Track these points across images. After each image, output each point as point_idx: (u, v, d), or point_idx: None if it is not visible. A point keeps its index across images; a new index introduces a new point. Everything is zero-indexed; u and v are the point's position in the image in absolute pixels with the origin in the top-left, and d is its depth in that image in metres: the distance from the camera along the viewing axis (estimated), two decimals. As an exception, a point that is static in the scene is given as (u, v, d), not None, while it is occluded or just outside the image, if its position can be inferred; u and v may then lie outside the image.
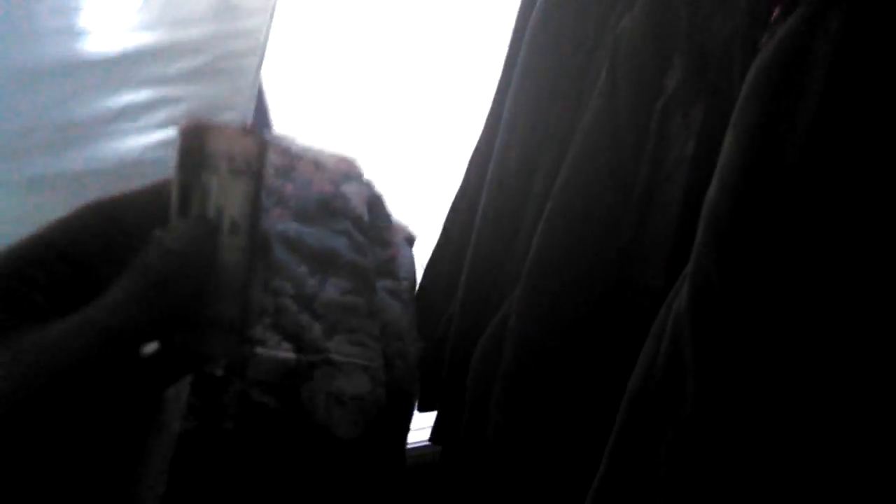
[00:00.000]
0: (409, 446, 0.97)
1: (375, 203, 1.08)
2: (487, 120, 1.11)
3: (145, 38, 0.92)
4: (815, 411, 0.36)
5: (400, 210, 1.17)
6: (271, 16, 1.06)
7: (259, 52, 0.96)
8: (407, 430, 0.90)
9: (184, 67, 0.84)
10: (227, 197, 0.35)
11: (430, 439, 1.07)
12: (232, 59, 0.89)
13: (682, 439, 0.37)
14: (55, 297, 0.31)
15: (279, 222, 0.93)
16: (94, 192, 0.34)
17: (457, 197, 1.15)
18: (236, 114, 0.87)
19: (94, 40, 0.88)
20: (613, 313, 0.64)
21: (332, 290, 0.88)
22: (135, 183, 0.35)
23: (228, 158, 0.35)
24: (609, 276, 0.65)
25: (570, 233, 0.65)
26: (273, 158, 1.07)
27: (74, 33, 0.89)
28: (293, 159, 1.06)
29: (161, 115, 0.81)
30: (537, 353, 0.63)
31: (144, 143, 0.79)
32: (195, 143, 0.34)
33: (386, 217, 1.08)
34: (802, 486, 0.36)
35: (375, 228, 1.03)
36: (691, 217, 0.62)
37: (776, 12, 0.50)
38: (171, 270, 0.32)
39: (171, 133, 0.86)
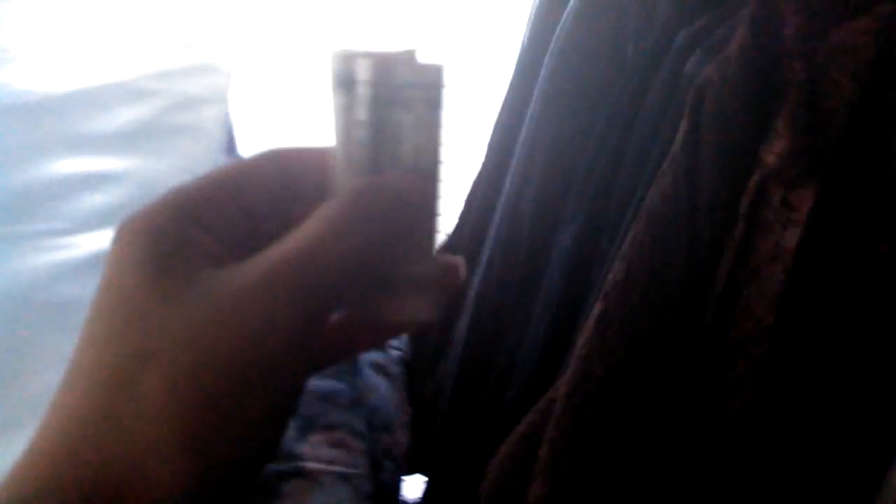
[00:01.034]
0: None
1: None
2: (492, 140, 0.96)
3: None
4: None
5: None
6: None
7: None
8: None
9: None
10: (424, 134, 0.31)
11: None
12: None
13: None
14: (227, 240, 0.28)
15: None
16: None
17: (453, 233, 0.99)
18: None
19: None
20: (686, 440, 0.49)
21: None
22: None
23: (422, 89, 0.31)
24: (681, 400, 0.50)
25: (630, 338, 0.50)
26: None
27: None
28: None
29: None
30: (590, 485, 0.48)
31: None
32: (382, 73, 0.30)
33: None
34: None
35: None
36: (788, 333, 0.48)
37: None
38: (395, 209, 0.29)
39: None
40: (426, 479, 0.95)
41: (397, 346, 0.88)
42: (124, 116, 0.64)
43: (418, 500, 0.92)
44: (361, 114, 0.31)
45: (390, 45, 0.32)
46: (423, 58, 0.32)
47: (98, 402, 0.25)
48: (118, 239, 0.27)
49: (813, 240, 0.47)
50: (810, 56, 0.42)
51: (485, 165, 0.91)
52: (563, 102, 0.74)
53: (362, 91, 0.30)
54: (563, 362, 0.69)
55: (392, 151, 0.31)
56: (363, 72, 0.30)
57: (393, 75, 0.30)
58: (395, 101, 0.31)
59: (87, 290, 0.26)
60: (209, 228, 0.28)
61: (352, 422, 0.70)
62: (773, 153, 0.45)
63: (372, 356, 0.81)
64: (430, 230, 0.32)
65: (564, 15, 0.80)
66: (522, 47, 0.92)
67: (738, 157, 0.46)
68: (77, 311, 0.26)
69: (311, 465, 0.64)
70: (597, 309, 0.51)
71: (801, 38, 0.42)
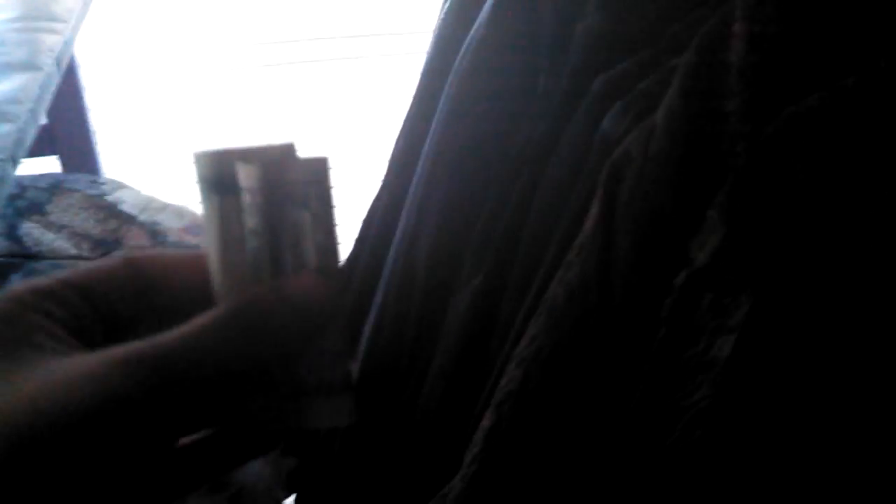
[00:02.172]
0: None
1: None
2: (390, 169, 0.86)
3: None
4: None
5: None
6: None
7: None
8: None
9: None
10: (324, 232, 0.30)
11: None
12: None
13: None
14: (79, 335, 0.28)
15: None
16: None
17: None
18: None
19: None
20: None
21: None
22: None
23: (315, 185, 0.29)
24: None
25: (526, 462, 0.41)
26: (87, 224, 0.78)
27: None
28: (121, 225, 0.77)
29: None
30: None
31: None
32: (271, 175, 0.28)
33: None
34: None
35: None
36: (715, 452, 0.40)
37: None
38: (285, 317, 0.28)
39: None
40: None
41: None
42: None
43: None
44: (253, 221, 0.29)
45: (264, 140, 0.29)
46: (303, 152, 0.30)
47: None
48: None
49: (747, 350, 0.38)
50: (756, 137, 0.34)
51: (380, 197, 0.81)
52: (462, 137, 0.65)
53: (251, 198, 0.28)
54: (459, 445, 0.60)
55: (294, 254, 0.29)
56: (248, 178, 0.28)
57: (282, 175, 0.29)
58: (289, 201, 0.29)
59: None
60: (58, 319, 0.28)
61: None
62: (704, 249, 0.36)
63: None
64: (342, 330, 0.31)
65: (472, 31, 0.70)
66: (425, 63, 0.83)
67: (661, 252, 0.37)
68: None
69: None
70: (487, 421, 0.41)
71: (746, 115, 0.33)
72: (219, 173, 0.29)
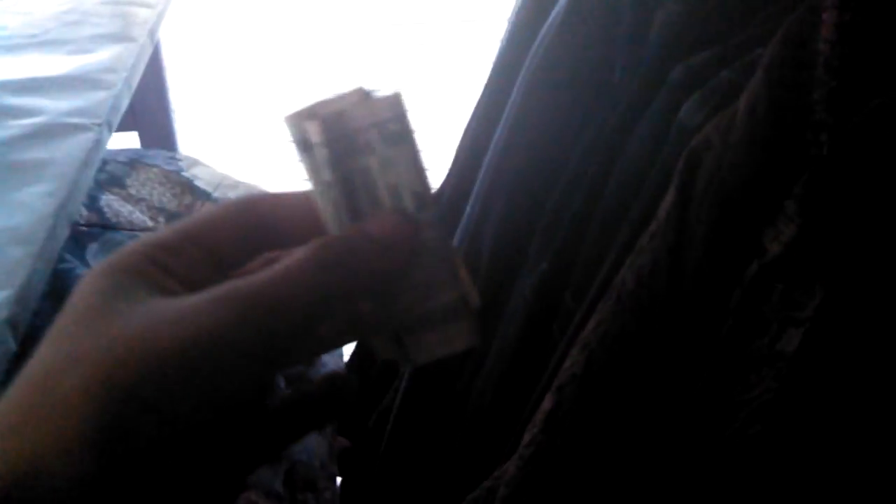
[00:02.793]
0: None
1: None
2: (459, 153, 0.86)
3: None
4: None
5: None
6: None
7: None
8: None
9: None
10: (395, 172, 0.30)
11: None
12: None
13: None
14: (193, 282, 0.30)
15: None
16: None
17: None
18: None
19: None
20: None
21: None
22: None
23: (377, 128, 0.30)
24: None
25: (585, 446, 0.41)
26: (163, 199, 0.80)
27: None
28: (195, 201, 0.79)
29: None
30: None
31: None
32: (333, 128, 0.29)
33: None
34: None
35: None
36: (779, 447, 0.39)
37: None
38: (362, 256, 0.30)
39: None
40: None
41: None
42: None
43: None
44: (326, 174, 0.30)
45: (337, 88, 0.30)
46: (373, 91, 0.30)
47: (22, 398, 0.26)
48: (89, 274, 0.30)
49: (816, 344, 0.38)
50: (840, 128, 0.33)
51: (447, 182, 0.82)
52: (534, 124, 0.65)
53: (319, 153, 0.30)
54: (514, 428, 0.60)
55: (368, 198, 0.30)
56: (314, 134, 0.30)
57: (344, 125, 0.30)
58: (353, 151, 0.30)
59: None
60: (173, 273, 0.30)
61: (267, 480, 0.61)
62: (778, 240, 0.36)
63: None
64: (443, 257, 0.31)
65: (550, 19, 0.70)
66: (500, 50, 0.83)
67: (735, 241, 0.37)
68: None
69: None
70: (547, 403, 0.41)
71: (832, 105, 0.33)
72: (296, 133, 0.30)
